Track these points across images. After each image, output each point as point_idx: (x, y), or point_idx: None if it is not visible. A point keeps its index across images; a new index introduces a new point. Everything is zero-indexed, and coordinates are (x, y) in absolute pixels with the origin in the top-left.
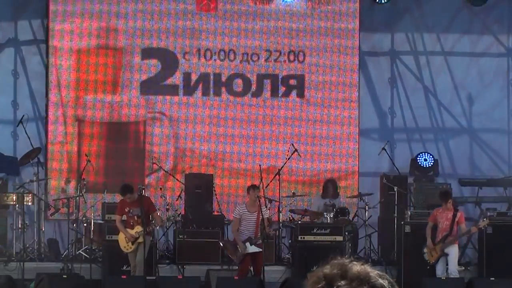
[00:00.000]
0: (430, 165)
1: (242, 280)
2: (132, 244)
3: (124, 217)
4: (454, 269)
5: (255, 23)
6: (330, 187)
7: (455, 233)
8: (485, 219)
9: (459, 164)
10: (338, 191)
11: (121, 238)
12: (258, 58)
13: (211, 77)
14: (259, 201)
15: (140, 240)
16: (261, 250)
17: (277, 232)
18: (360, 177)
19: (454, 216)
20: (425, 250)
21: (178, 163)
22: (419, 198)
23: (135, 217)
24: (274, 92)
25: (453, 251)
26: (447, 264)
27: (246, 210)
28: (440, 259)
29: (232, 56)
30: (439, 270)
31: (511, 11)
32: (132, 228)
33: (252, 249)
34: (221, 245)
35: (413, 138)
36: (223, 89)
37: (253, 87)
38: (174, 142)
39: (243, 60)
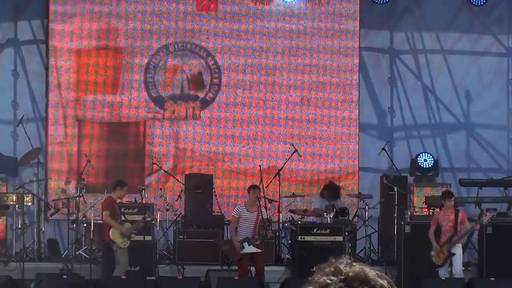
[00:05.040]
0: (430, 166)
1: (242, 281)
2: (128, 239)
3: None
4: (458, 269)
5: (255, 23)
6: (327, 193)
7: (459, 233)
8: (487, 214)
9: (459, 164)
10: (339, 194)
11: (116, 233)
12: (258, 58)
13: (211, 77)
14: (259, 201)
15: (133, 236)
16: (260, 251)
17: (277, 233)
18: (360, 177)
19: (456, 216)
20: (432, 253)
21: (178, 163)
22: (419, 198)
23: (121, 216)
24: (274, 92)
25: (458, 251)
26: (449, 265)
27: (245, 209)
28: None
29: (232, 56)
30: (442, 271)
31: (511, 11)
32: (121, 224)
33: (250, 249)
34: (217, 244)
35: (413, 138)
36: (223, 89)
37: (253, 87)
38: (174, 142)
39: (243, 60)
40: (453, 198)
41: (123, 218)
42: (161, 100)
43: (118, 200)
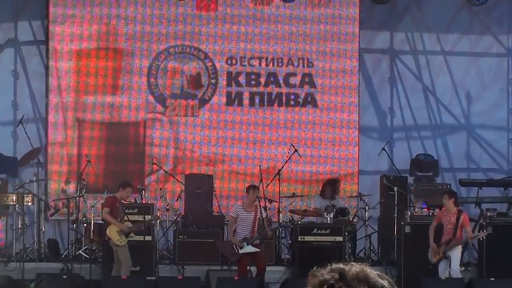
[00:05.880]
0: (430, 160)
1: (242, 281)
2: (126, 237)
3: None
4: (456, 269)
5: (255, 25)
6: (328, 188)
7: (459, 237)
8: (484, 231)
9: (459, 164)
10: (337, 191)
11: (113, 231)
12: (258, 59)
13: (211, 78)
14: (259, 201)
15: (132, 235)
16: (259, 250)
17: (277, 232)
18: (360, 177)
19: (458, 219)
20: (430, 249)
21: (178, 164)
22: (419, 198)
23: (122, 215)
24: (274, 94)
25: (455, 252)
26: (449, 265)
27: (242, 209)
28: (443, 260)
29: (231, 58)
30: (441, 270)
31: (511, 11)
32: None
33: (249, 249)
34: (216, 245)
35: (413, 138)
36: (223, 91)
37: (253, 89)
38: (174, 143)
39: (242, 61)
40: (445, 195)
41: (125, 218)
42: (162, 98)
43: (122, 201)
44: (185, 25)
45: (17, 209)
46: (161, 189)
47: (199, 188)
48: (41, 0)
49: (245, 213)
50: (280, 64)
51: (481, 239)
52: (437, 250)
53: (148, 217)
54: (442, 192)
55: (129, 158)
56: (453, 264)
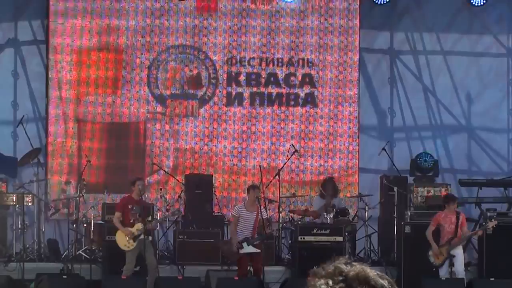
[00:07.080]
0: (430, 166)
1: (242, 281)
2: (134, 241)
3: (120, 217)
4: (460, 269)
5: (255, 25)
6: (327, 187)
7: (460, 235)
8: (492, 220)
9: (459, 164)
10: (336, 191)
11: (120, 236)
12: (258, 59)
13: (211, 78)
14: (259, 201)
15: (141, 237)
16: (259, 251)
17: (278, 232)
18: (360, 177)
19: (458, 218)
20: (430, 253)
21: (178, 164)
22: (419, 198)
23: (137, 215)
24: (274, 94)
25: (460, 252)
26: (450, 266)
27: (244, 209)
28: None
29: (231, 58)
30: (443, 271)
31: (511, 11)
32: (132, 226)
33: (249, 249)
34: (216, 244)
35: (413, 138)
36: (223, 91)
37: (253, 89)
38: (174, 143)
39: (242, 61)
40: (450, 201)
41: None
42: (162, 98)
43: (141, 197)
44: (185, 25)
45: (17, 209)
46: (161, 189)
47: (199, 188)
48: (41, 0)
49: (247, 213)
50: (280, 64)
51: (491, 228)
52: (439, 251)
53: (149, 219)
54: (451, 198)
55: (129, 157)
56: (457, 264)
